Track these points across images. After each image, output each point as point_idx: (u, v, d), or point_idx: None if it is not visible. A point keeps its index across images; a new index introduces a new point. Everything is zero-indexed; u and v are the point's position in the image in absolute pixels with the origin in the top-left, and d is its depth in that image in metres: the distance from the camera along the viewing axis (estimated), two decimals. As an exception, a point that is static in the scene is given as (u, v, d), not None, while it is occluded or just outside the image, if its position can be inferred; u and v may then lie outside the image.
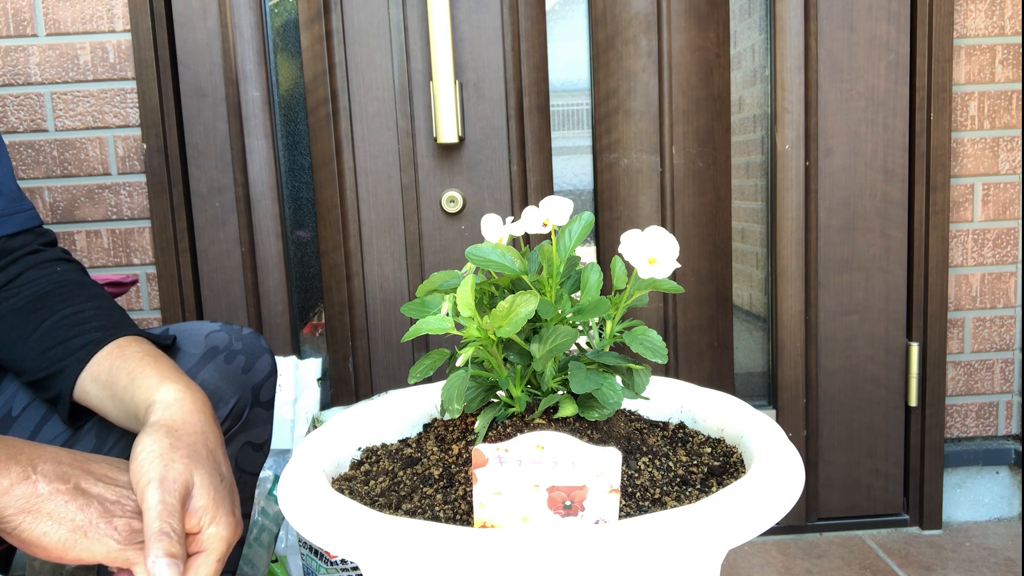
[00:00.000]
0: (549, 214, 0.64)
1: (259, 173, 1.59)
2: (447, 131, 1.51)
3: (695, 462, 0.64)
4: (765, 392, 1.73)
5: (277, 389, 1.26)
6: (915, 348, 1.62)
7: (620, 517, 0.54)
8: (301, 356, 1.66)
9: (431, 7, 1.48)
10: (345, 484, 0.64)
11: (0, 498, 0.54)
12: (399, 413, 0.75)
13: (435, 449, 0.65)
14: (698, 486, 0.60)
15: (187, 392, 0.67)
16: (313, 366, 1.58)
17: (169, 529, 0.55)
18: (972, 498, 1.69)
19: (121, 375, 0.70)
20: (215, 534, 0.59)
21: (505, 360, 0.62)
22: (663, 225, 1.58)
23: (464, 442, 0.64)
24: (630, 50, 1.59)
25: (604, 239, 1.65)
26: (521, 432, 0.59)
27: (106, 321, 0.76)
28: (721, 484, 0.60)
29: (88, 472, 0.58)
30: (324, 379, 1.64)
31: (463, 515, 0.56)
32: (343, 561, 1.23)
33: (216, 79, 1.55)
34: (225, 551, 0.60)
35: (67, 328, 0.75)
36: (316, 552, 1.26)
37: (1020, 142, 1.58)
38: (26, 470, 0.56)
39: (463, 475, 0.60)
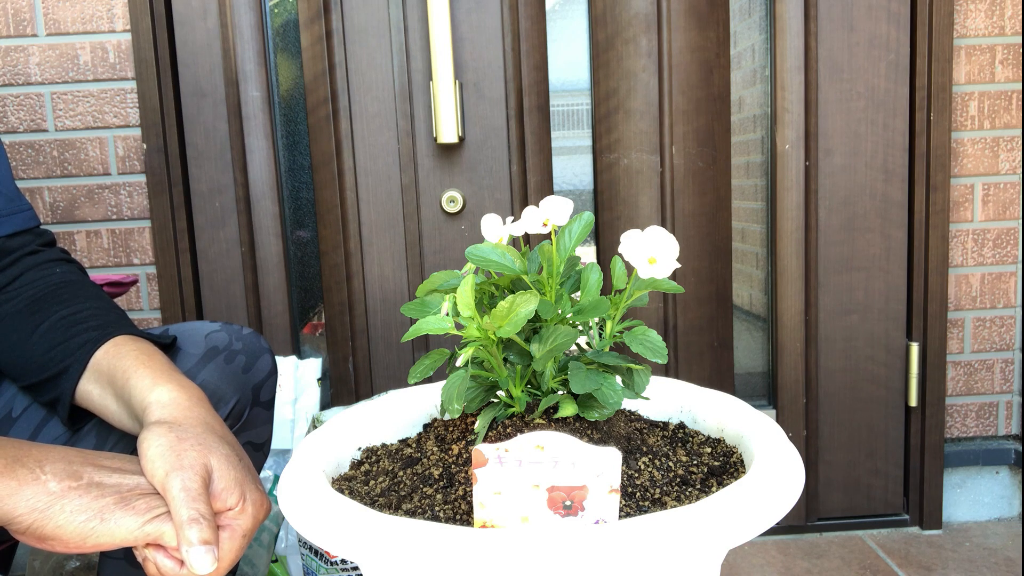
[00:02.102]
0: (549, 214, 0.64)
1: (259, 173, 1.59)
2: (447, 131, 1.51)
3: (695, 462, 0.64)
4: (765, 392, 1.73)
5: (277, 389, 1.26)
6: (915, 348, 1.62)
7: (620, 517, 0.54)
8: (301, 356, 1.66)
9: (431, 7, 1.48)
10: (345, 484, 0.64)
11: (9, 499, 0.54)
12: (399, 413, 0.75)
13: (435, 449, 0.65)
14: (698, 486, 0.60)
15: (181, 391, 0.66)
16: (313, 366, 1.58)
17: (198, 515, 0.55)
18: (972, 498, 1.69)
19: (117, 375, 0.70)
20: (243, 510, 0.59)
21: (505, 360, 0.62)
22: (663, 225, 1.58)
23: (464, 442, 0.64)
24: (630, 50, 1.59)
25: (604, 239, 1.65)
26: (521, 432, 0.59)
27: (103, 320, 0.76)
28: (721, 484, 0.60)
29: (100, 467, 0.58)
30: (324, 379, 1.64)
31: (463, 515, 0.56)
32: (343, 561, 1.23)
33: (216, 79, 1.55)
34: (252, 527, 0.60)
35: (65, 329, 0.75)
36: (316, 552, 1.26)
37: (1020, 142, 1.58)
38: (34, 471, 0.55)
39: (463, 475, 0.60)
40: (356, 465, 0.69)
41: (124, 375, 0.69)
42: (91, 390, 0.72)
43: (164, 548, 0.57)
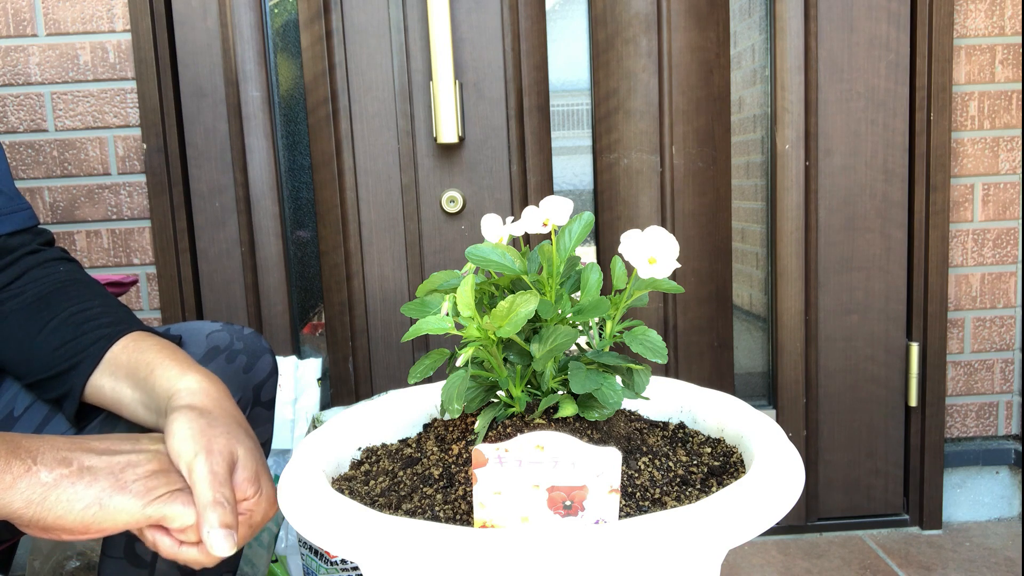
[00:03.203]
0: (549, 214, 0.64)
1: (259, 173, 1.59)
2: (447, 131, 1.51)
3: (695, 462, 0.64)
4: (765, 392, 1.73)
5: (277, 389, 1.26)
6: (915, 348, 1.62)
7: (620, 517, 0.54)
8: (301, 356, 1.66)
9: (431, 7, 1.48)
10: (345, 484, 0.65)
11: (6, 494, 0.55)
12: (399, 413, 0.75)
13: (435, 449, 0.65)
14: (698, 486, 0.60)
15: (210, 382, 0.68)
16: (313, 366, 1.58)
17: (222, 499, 0.57)
18: (972, 498, 1.69)
19: (140, 368, 0.71)
20: (258, 503, 0.61)
21: (505, 360, 0.62)
22: (663, 225, 1.58)
23: (464, 442, 0.64)
24: (630, 50, 1.59)
25: (604, 239, 1.65)
26: (521, 432, 0.59)
27: (114, 317, 0.77)
28: (721, 484, 0.60)
29: (89, 450, 0.59)
30: (324, 379, 1.64)
31: (463, 515, 0.56)
32: (343, 561, 1.23)
33: (216, 79, 1.55)
34: (262, 520, 0.62)
35: (76, 325, 0.75)
36: (316, 552, 1.26)
37: (1020, 142, 1.58)
38: (26, 463, 0.56)
39: (463, 475, 0.60)
40: (356, 465, 0.69)
41: (148, 367, 0.70)
42: (103, 384, 0.73)
43: (164, 529, 0.58)
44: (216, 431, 0.61)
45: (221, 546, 0.55)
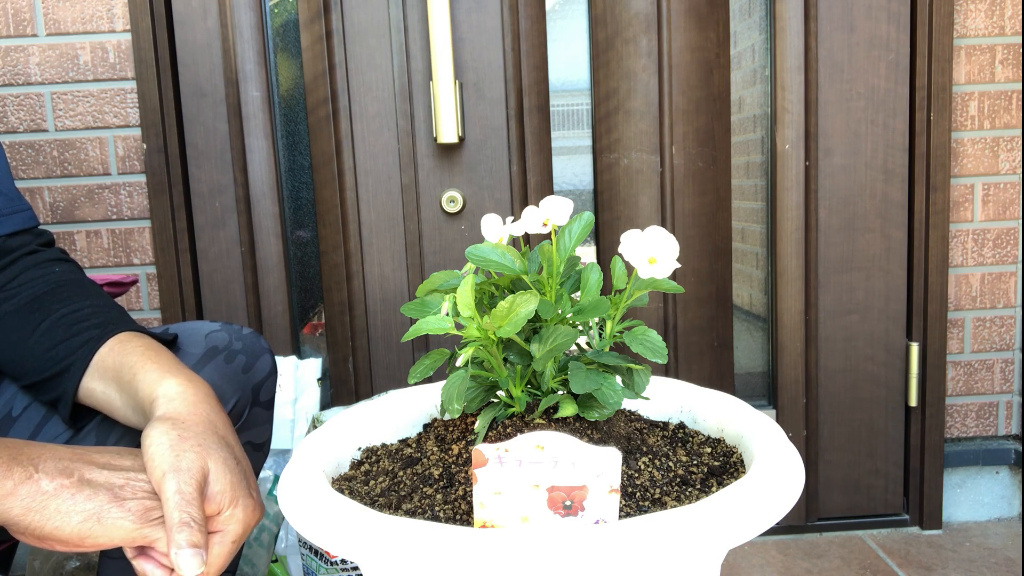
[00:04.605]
0: (549, 214, 0.64)
1: (259, 173, 1.59)
2: (447, 131, 1.51)
3: (695, 462, 0.64)
4: (765, 392, 1.73)
5: (277, 389, 1.26)
6: (915, 348, 1.62)
7: (620, 517, 0.54)
8: (301, 356, 1.66)
9: (431, 7, 1.48)
10: (345, 484, 0.64)
11: (6, 500, 0.54)
12: (399, 413, 0.75)
13: (435, 449, 0.65)
14: (698, 486, 0.60)
15: (189, 384, 0.67)
16: (313, 366, 1.58)
17: (189, 519, 0.56)
18: (972, 498, 1.69)
19: (124, 371, 0.70)
20: (232, 516, 0.60)
21: (505, 360, 0.62)
22: (663, 225, 1.58)
23: (464, 442, 0.64)
24: (630, 50, 1.59)
25: (604, 239, 1.65)
26: (521, 432, 0.59)
27: (105, 318, 0.76)
28: (721, 484, 0.60)
29: (90, 463, 0.58)
30: (324, 379, 1.64)
31: (463, 515, 0.56)
32: (343, 561, 1.23)
33: (216, 79, 1.55)
34: (243, 532, 0.60)
35: (66, 327, 0.75)
36: (316, 552, 1.26)
37: (1020, 142, 1.58)
38: (28, 470, 0.56)
39: (463, 475, 0.60)
40: (356, 465, 0.69)
41: (131, 370, 0.69)
42: (94, 387, 0.72)
43: (154, 557, 0.58)
44: (187, 444, 0.59)
45: (188, 565, 0.55)
